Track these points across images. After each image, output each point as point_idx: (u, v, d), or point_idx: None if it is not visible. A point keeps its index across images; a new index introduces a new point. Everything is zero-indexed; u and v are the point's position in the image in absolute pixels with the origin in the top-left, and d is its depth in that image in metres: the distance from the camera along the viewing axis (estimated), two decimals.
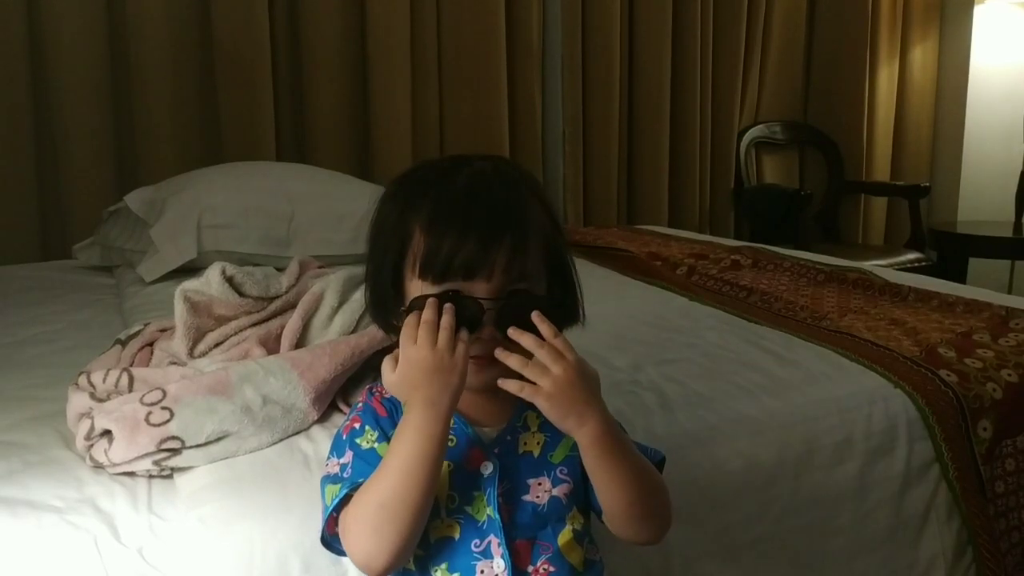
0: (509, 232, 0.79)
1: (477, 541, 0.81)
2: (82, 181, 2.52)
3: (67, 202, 2.52)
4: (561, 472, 0.84)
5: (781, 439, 1.22)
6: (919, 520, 1.29)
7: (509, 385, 0.77)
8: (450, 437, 0.81)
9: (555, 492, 0.84)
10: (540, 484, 0.83)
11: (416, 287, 0.81)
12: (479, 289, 0.79)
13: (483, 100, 3.03)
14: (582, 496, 0.86)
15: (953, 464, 1.29)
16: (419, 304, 0.79)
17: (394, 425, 0.82)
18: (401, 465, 0.76)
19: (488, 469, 0.82)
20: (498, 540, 0.81)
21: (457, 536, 0.82)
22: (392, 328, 0.87)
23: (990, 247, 3.31)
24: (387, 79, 2.84)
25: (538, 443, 0.85)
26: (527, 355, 0.78)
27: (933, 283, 1.92)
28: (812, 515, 1.22)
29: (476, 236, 0.78)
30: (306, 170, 2.43)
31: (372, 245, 0.86)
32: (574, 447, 0.82)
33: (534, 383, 0.76)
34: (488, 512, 0.81)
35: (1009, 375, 1.37)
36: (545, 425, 0.83)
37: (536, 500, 0.83)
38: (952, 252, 3.38)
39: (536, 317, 0.78)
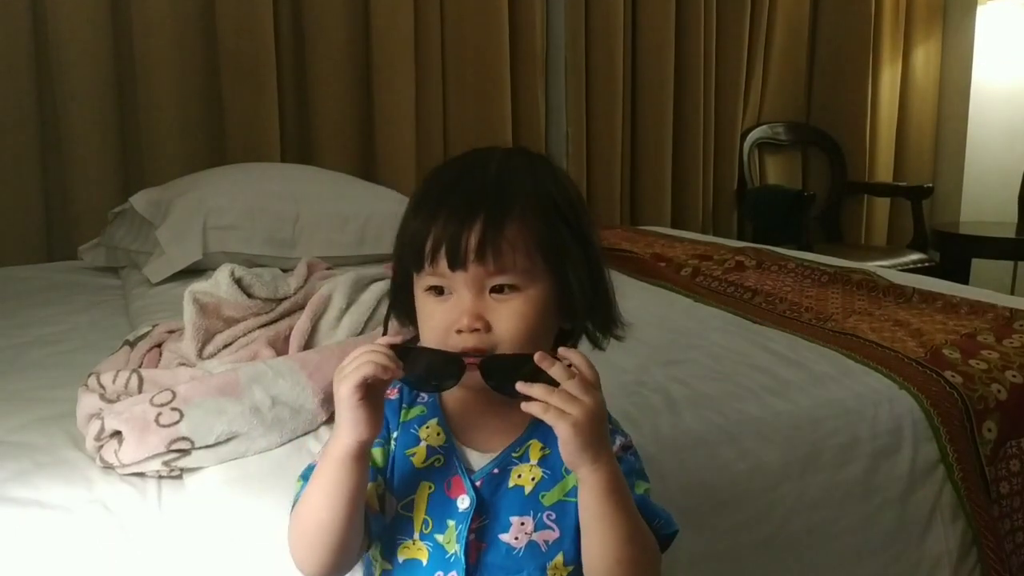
0: (481, 216, 0.74)
1: (441, 573, 0.77)
2: (87, 182, 2.52)
3: (72, 203, 2.53)
4: (548, 517, 0.78)
5: (786, 440, 1.23)
6: (924, 521, 1.29)
7: (532, 408, 0.71)
8: (438, 457, 0.80)
9: (535, 536, 0.77)
10: (523, 524, 0.77)
11: (416, 282, 0.79)
12: (459, 281, 0.75)
13: (487, 102, 3.04)
14: (572, 551, 0.77)
15: (958, 465, 1.30)
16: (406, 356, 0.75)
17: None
18: (314, 481, 0.76)
19: (464, 503, 0.78)
20: None
21: (425, 561, 0.78)
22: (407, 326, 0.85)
23: (993, 248, 3.31)
24: (391, 81, 2.85)
25: (533, 479, 0.79)
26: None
27: (936, 284, 1.92)
28: (818, 516, 1.23)
29: (444, 219, 0.75)
30: (311, 171, 2.44)
31: (395, 248, 0.84)
32: (570, 493, 0.77)
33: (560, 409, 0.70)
34: (456, 549, 0.77)
35: (1014, 376, 1.38)
36: (547, 460, 0.79)
37: (513, 542, 0.77)
38: (955, 253, 3.38)
39: (564, 351, 0.73)
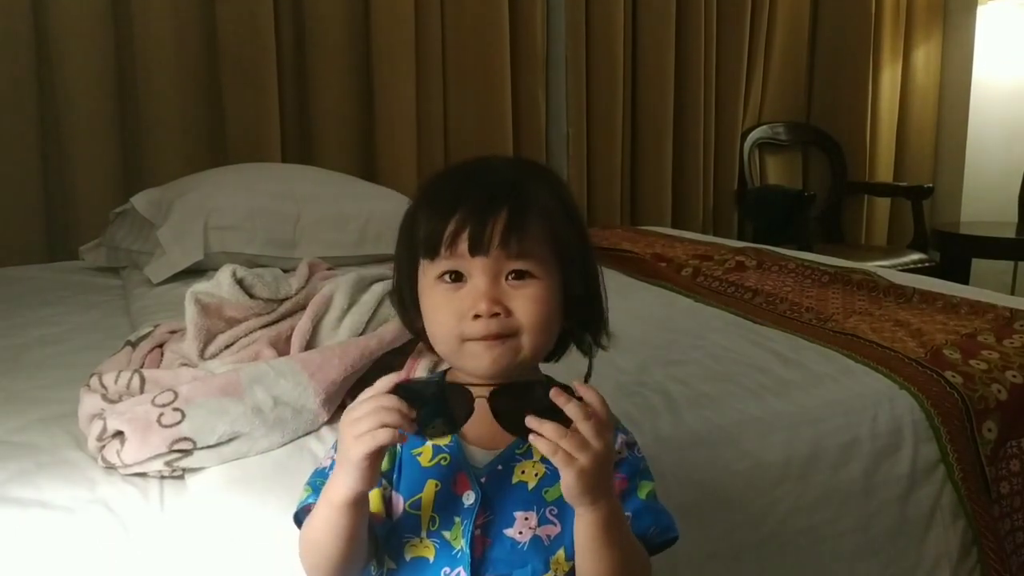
0: (506, 204, 0.75)
1: (448, 569, 0.77)
2: (88, 182, 2.53)
3: (73, 203, 2.53)
4: (551, 512, 0.78)
5: (787, 440, 1.23)
6: (924, 521, 1.29)
7: (541, 445, 0.70)
8: (444, 455, 0.80)
9: (539, 531, 0.78)
10: (527, 519, 0.78)
11: (425, 273, 0.79)
12: (477, 267, 0.75)
13: (487, 102, 3.04)
14: (573, 546, 0.78)
15: (958, 465, 1.30)
16: (401, 390, 0.73)
17: None
18: (317, 515, 0.76)
19: (470, 499, 0.78)
20: (466, 574, 0.77)
21: (432, 559, 0.78)
22: (412, 326, 0.85)
23: (993, 248, 3.31)
24: (392, 81, 2.85)
25: (536, 474, 0.79)
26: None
27: (937, 284, 1.92)
28: (818, 516, 1.23)
29: (469, 205, 0.75)
30: (311, 171, 2.44)
31: (396, 246, 0.84)
32: None
33: (567, 451, 0.69)
34: (462, 544, 0.77)
35: (1014, 376, 1.38)
36: None
37: (517, 536, 0.78)
38: (955, 253, 3.38)
39: (580, 387, 0.72)
